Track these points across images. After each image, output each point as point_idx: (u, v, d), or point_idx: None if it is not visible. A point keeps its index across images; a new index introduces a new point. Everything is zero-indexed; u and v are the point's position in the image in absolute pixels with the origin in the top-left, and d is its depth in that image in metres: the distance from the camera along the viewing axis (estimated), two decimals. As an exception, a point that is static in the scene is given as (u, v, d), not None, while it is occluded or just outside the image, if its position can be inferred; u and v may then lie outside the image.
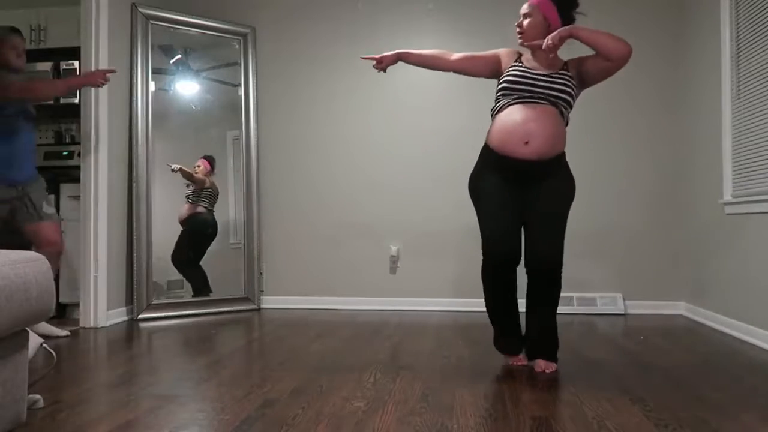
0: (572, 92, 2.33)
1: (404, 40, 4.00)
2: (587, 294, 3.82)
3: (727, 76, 3.16)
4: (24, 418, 1.64)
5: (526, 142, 2.23)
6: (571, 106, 2.36)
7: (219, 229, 4.07)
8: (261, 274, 4.16)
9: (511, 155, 2.27)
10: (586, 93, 3.87)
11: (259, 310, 4.05)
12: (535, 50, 2.37)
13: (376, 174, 4.05)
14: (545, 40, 2.23)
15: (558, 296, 2.36)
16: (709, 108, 3.39)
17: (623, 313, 3.75)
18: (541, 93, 2.27)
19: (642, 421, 1.71)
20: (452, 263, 3.95)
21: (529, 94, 2.28)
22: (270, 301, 4.16)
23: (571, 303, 3.80)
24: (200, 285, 4.00)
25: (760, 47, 2.86)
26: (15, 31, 3.02)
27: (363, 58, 2.58)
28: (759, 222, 2.82)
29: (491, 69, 2.45)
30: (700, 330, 3.21)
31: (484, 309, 2.46)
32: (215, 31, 4.05)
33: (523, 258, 2.34)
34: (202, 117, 4.10)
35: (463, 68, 2.48)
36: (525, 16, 2.37)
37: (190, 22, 3.96)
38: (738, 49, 3.09)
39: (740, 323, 2.98)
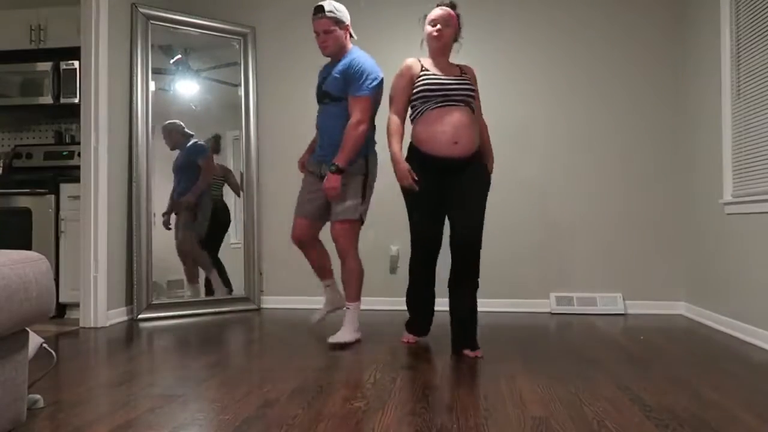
0: (474, 94, 2.69)
1: (405, 40, 4.01)
2: (587, 294, 3.82)
3: (727, 76, 3.16)
4: (24, 418, 1.64)
5: (456, 143, 2.55)
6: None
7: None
8: (261, 274, 4.16)
9: (440, 154, 2.57)
10: (585, 93, 3.90)
11: (259, 310, 4.05)
12: (436, 58, 2.71)
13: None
14: None
15: (477, 277, 2.65)
16: (709, 108, 3.39)
17: (623, 313, 3.75)
18: (457, 96, 2.60)
19: (642, 421, 1.71)
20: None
21: (444, 99, 2.58)
22: (270, 301, 4.16)
23: (571, 303, 3.80)
24: (226, 278, 4.05)
25: (760, 47, 2.86)
26: (318, 9, 2.77)
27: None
28: (759, 222, 2.82)
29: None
30: (700, 330, 3.21)
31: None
32: (215, 31, 4.05)
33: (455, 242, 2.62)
34: (202, 117, 4.09)
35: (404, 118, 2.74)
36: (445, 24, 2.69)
37: (190, 22, 3.97)
38: (738, 49, 3.09)
39: (740, 323, 2.98)
